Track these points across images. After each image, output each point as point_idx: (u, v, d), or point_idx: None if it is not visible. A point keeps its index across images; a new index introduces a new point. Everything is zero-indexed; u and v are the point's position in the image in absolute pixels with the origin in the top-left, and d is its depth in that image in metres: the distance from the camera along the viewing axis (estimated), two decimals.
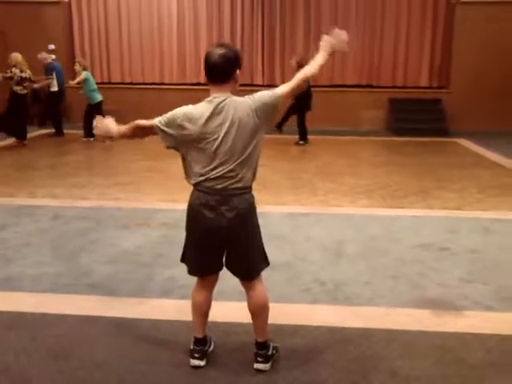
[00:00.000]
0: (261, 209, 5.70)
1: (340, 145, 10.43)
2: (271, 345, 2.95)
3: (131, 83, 13.03)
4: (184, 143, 2.66)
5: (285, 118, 10.08)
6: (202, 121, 2.59)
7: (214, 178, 2.64)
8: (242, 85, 10.44)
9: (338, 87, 12.69)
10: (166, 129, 2.68)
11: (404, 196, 6.56)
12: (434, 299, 3.77)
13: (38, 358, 3.00)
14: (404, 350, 3.10)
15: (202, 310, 2.94)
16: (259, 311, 2.87)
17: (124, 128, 2.87)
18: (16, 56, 9.44)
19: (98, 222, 5.37)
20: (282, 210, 5.89)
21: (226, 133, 2.59)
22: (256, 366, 2.87)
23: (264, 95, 2.68)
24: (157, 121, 2.71)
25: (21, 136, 9.64)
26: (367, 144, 10.65)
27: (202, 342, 2.95)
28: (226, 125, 2.59)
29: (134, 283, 3.98)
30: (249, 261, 2.82)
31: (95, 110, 9.98)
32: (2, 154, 9.13)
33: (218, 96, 2.61)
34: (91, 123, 10.04)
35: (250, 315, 2.92)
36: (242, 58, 2.74)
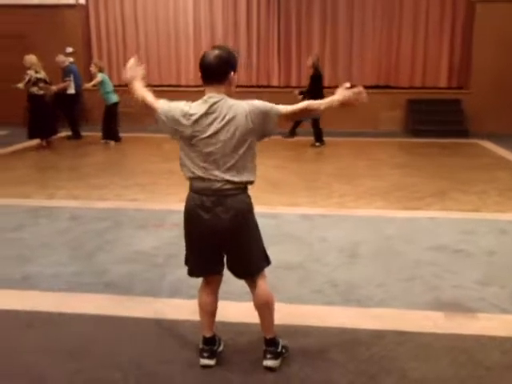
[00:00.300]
0: (275, 210, 5.85)
1: (357, 146, 10.39)
2: (280, 342, 2.97)
3: (148, 85, 13.01)
4: (177, 136, 2.71)
5: (297, 123, 10.14)
6: (195, 118, 2.63)
7: (206, 179, 2.67)
8: (258, 86, 10.57)
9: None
10: (163, 117, 2.73)
11: (421, 198, 6.51)
12: (448, 301, 3.74)
13: (56, 357, 3.05)
14: (416, 352, 3.09)
15: (208, 310, 2.97)
16: (264, 308, 2.90)
17: (142, 90, 2.95)
18: (30, 58, 9.55)
19: (116, 223, 5.43)
20: (297, 212, 5.89)
21: (217, 132, 2.62)
22: (265, 362, 2.90)
23: (263, 105, 2.70)
24: (160, 106, 2.77)
25: (46, 135, 9.75)
26: (385, 145, 10.58)
27: (210, 342, 2.98)
28: (218, 124, 2.62)
29: (147, 283, 4.03)
30: (247, 260, 2.84)
31: (110, 111, 10.08)
32: (23, 156, 9.26)
33: (212, 96, 2.64)
34: (109, 125, 10.21)
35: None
36: (237, 61, 2.76)
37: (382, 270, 4.30)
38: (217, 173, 2.65)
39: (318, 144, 10.19)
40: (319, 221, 5.56)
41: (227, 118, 2.61)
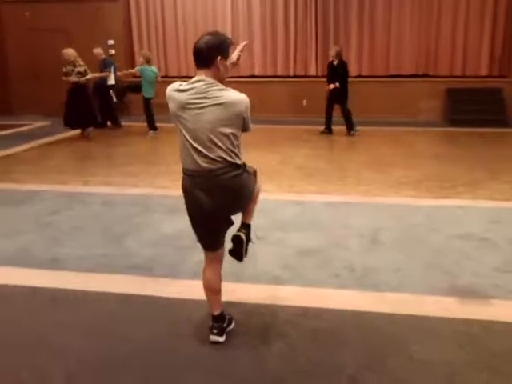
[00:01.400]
0: (302, 197, 5.90)
1: (394, 136, 10.29)
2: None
3: (187, 76, 13.31)
4: (173, 116, 2.83)
5: (329, 118, 10.20)
6: (182, 97, 2.74)
7: (194, 159, 2.77)
8: (296, 76, 10.59)
9: (394, 77, 12.49)
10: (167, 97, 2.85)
11: (452, 187, 6.43)
12: (464, 288, 3.73)
13: (74, 330, 3.24)
14: (426, 336, 3.12)
15: (211, 287, 3.09)
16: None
17: None
18: (70, 51, 9.81)
19: (145, 208, 5.62)
20: (324, 199, 5.92)
21: (199, 115, 2.72)
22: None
23: (244, 109, 2.79)
24: None
25: (86, 124, 10.08)
26: (422, 135, 10.44)
27: (219, 319, 3.09)
28: (209, 107, 2.71)
29: (169, 265, 4.17)
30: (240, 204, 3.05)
31: (145, 103, 10.32)
32: (63, 145, 9.60)
33: (200, 79, 2.75)
34: (147, 116, 10.46)
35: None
36: (228, 47, 2.83)
37: (402, 256, 4.31)
38: (204, 152, 2.75)
39: (352, 132, 10.18)
40: (343, 208, 5.58)
41: (210, 100, 2.71)
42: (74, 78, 9.74)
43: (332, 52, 10.23)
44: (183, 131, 2.79)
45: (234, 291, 3.61)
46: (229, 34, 10.96)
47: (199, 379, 2.77)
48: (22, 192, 6.34)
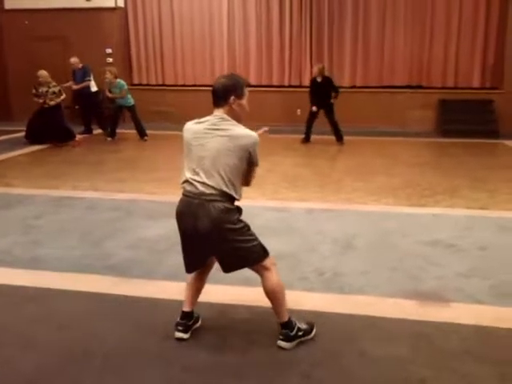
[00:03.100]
0: (283, 204, 6.05)
1: (382, 145, 10.45)
2: (296, 326, 3.16)
3: (184, 85, 13.55)
4: (185, 144, 3.06)
5: (309, 127, 10.39)
6: (198, 127, 3.01)
7: (192, 182, 2.96)
8: (291, 86, 10.81)
9: (387, 88, 12.67)
10: None
11: (431, 195, 6.57)
12: (426, 291, 3.86)
13: (47, 326, 3.38)
14: (380, 335, 3.25)
15: (193, 286, 3.25)
16: (269, 297, 3.13)
17: None
18: (43, 73, 10.15)
19: (127, 213, 5.78)
20: (304, 206, 6.07)
21: (210, 143, 2.93)
22: (277, 342, 3.13)
23: (257, 154, 3.03)
24: None
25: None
26: (411, 145, 10.61)
27: (187, 316, 3.24)
28: (215, 138, 2.93)
29: (145, 267, 4.32)
30: (229, 261, 3.07)
31: (130, 111, 10.60)
32: (58, 152, 9.77)
33: (216, 114, 3.02)
34: (116, 125, 10.71)
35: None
36: (242, 87, 3.05)
37: (371, 260, 4.45)
38: (201, 179, 2.93)
39: (340, 142, 10.35)
40: (321, 215, 5.73)
41: (226, 133, 2.93)
42: (56, 100, 10.08)
43: (315, 70, 10.53)
44: (190, 156, 3.00)
45: (206, 292, 3.74)
46: (225, 44, 11.24)
47: (160, 371, 2.90)
48: (13, 196, 6.52)
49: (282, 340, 3.13)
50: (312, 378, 2.83)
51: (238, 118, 3.05)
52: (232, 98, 2.99)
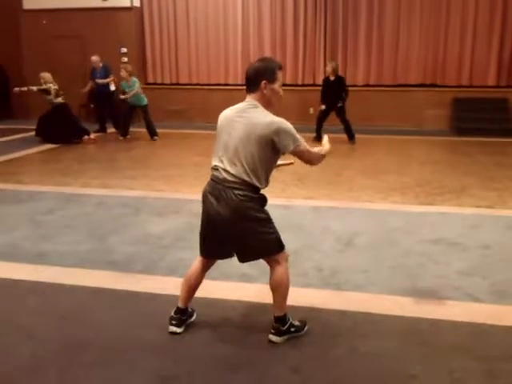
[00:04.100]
0: (291, 202, 6.07)
1: (395, 144, 10.39)
2: (289, 322, 3.18)
3: (198, 84, 13.63)
4: (218, 130, 3.09)
5: (320, 125, 10.35)
6: (229, 114, 3.04)
7: (217, 168, 2.99)
8: (304, 85, 10.82)
9: (402, 86, 12.58)
10: None
11: (440, 194, 6.53)
12: (424, 289, 3.86)
13: (44, 317, 3.48)
14: (373, 331, 3.26)
15: (190, 283, 3.27)
16: (273, 290, 3.15)
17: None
18: (45, 74, 10.28)
19: (135, 209, 5.86)
20: (311, 204, 6.10)
21: (235, 131, 2.94)
22: (269, 336, 3.16)
23: (287, 134, 2.93)
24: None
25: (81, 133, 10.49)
26: (425, 143, 10.52)
27: (180, 312, 3.28)
28: (239, 125, 2.94)
29: (147, 262, 4.38)
30: (244, 249, 3.09)
31: (142, 111, 10.68)
32: (69, 149, 9.90)
33: (246, 101, 3.02)
34: (128, 123, 10.80)
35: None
36: (274, 71, 3.00)
37: (371, 258, 4.45)
38: (225, 165, 2.95)
39: (352, 141, 10.30)
40: (327, 212, 5.74)
41: (249, 122, 2.92)
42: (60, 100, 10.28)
43: (328, 68, 10.43)
44: (218, 143, 3.03)
45: (202, 287, 3.78)
46: (239, 43, 11.26)
47: (152, 363, 2.96)
48: (24, 192, 6.64)
49: (273, 334, 3.16)
50: (301, 371, 2.86)
51: (269, 104, 3.01)
52: (263, 82, 2.95)
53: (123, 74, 10.55)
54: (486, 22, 11.99)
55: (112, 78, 11.36)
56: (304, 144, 3.02)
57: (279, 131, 2.90)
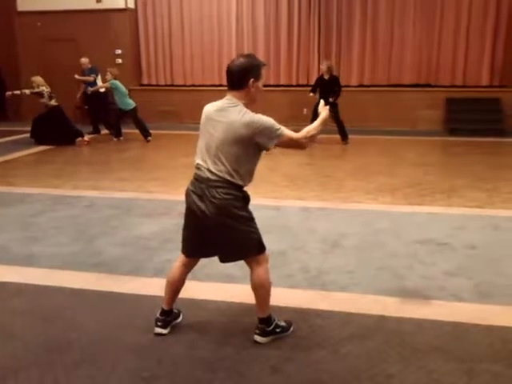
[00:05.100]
0: (280, 203, 6.08)
1: (388, 145, 10.42)
2: (274, 323, 3.18)
3: (192, 85, 13.65)
4: (200, 126, 3.07)
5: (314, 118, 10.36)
6: (209, 110, 3.01)
7: (200, 167, 2.99)
8: (298, 85, 10.83)
9: (395, 87, 12.61)
10: None
11: (429, 194, 6.55)
12: (409, 289, 3.87)
13: (29, 319, 3.47)
14: (356, 331, 3.27)
15: (173, 286, 3.27)
16: (254, 291, 3.15)
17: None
18: (36, 78, 10.32)
19: (124, 211, 5.86)
20: (300, 205, 6.10)
21: (216, 132, 2.93)
22: (254, 336, 3.17)
23: (266, 122, 2.90)
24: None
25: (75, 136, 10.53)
26: (417, 144, 10.54)
27: (166, 313, 3.29)
28: (220, 125, 2.93)
29: (134, 263, 4.39)
30: (225, 249, 3.09)
31: (130, 115, 10.65)
32: (61, 151, 9.90)
33: (227, 98, 2.98)
34: (119, 125, 10.80)
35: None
36: (259, 69, 2.98)
37: (358, 259, 4.46)
38: (207, 164, 2.96)
39: (345, 141, 10.32)
40: (315, 213, 5.75)
41: (229, 121, 2.89)
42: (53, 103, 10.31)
43: (323, 67, 10.45)
44: (201, 140, 3.03)
45: (188, 289, 3.80)
46: (233, 44, 11.29)
47: (135, 363, 2.97)
48: (14, 194, 6.65)
49: (258, 334, 3.17)
50: (280, 371, 2.87)
51: (253, 102, 2.99)
52: (251, 80, 2.92)
53: (108, 77, 10.59)
54: (480, 22, 12.06)
55: (93, 78, 11.36)
56: (286, 133, 2.97)
57: (259, 128, 2.89)
